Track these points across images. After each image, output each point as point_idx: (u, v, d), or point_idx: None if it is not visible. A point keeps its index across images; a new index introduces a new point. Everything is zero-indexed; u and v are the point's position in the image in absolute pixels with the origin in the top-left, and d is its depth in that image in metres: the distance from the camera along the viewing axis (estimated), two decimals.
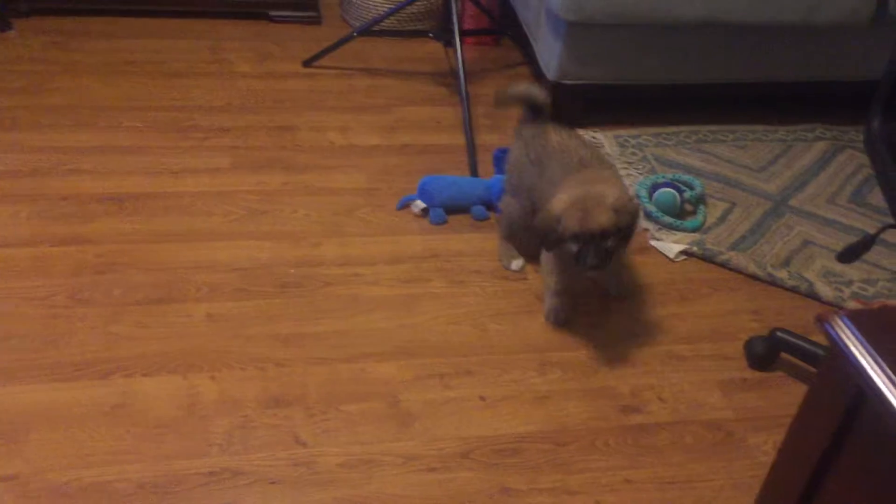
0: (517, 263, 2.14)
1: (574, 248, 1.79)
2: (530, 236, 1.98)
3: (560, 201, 1.79)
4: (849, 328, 0.87)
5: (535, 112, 2.08)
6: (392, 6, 2.91)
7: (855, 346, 0.85)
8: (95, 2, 2.98)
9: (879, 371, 0.83)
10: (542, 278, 2.07)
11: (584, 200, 1.76)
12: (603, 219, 1.75)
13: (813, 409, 0.98)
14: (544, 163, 1.96)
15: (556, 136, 1.99)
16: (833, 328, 0.88)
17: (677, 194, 2.32)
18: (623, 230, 1.80)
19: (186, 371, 1.78)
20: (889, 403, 0.82)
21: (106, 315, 1.89)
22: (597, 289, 2.12)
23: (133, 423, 1.66)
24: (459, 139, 2.55)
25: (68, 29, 2.92)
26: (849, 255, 1.76)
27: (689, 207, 2.36)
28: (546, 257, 1.99)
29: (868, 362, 0.84)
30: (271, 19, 3.11)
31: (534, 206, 1.97)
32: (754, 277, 2.19)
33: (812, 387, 0.99)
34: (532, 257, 2.13)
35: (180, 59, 2.85)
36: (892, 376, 0.82)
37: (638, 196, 2.38)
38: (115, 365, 1.78)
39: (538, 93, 2.07)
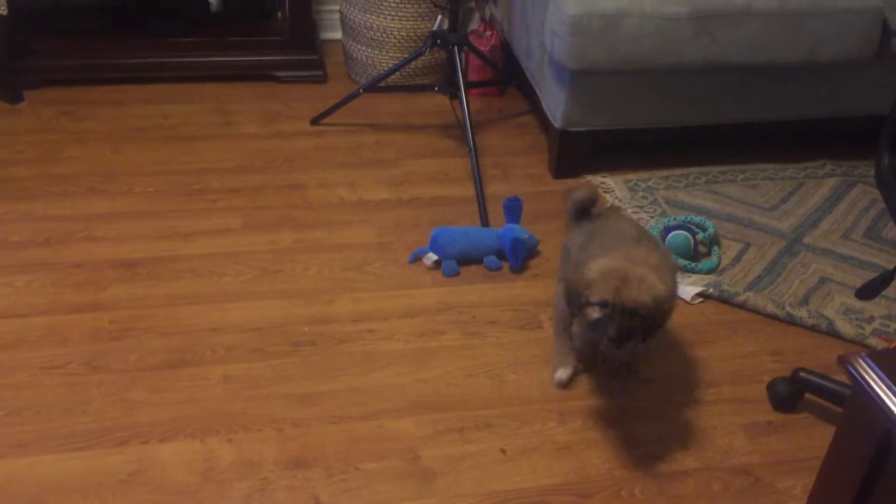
0: (562, 373, 1.94)
1: (596, 314, 1.61)
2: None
3: (599, 264, 1.65)
4: (872, 369, 0.85)
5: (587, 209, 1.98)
6: (397, 62, 2.94)
7: (880, 387, 0.83)
8: (104, 70, 3.02)
9: None
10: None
11: (626, 272, 1.61)
12: (641, 297, 1.59)
13: (841, 454, 0.96)
14: (598, 234, 1.85)
15: (617, 218, 1.90)
16: (856, 369, 0.86)
17: (690, 236, 2.30)
18: (652, 326, 1.63)
19: (203, 435, 1.77)
20: None
21: (122, 381, 1.88)
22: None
23: (150, 491, 1.65)
24: (469, 190, 2.55)
25: (78, 98, 2.96)
26: (868, 291, 1.73)
27: (702, 249, 2.35)
28: (575, 326, 1.90)
29: (894, 402, 0.81)
30: (277, 80, 3.15)
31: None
32: (773, 317, 2.17)
33: (838, 430, 0.97)
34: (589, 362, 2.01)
35: (189, 122, 2.88)
36: None
37: None
38: (132, 432, 1.76)
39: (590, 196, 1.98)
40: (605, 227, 1.88)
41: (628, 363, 1.99)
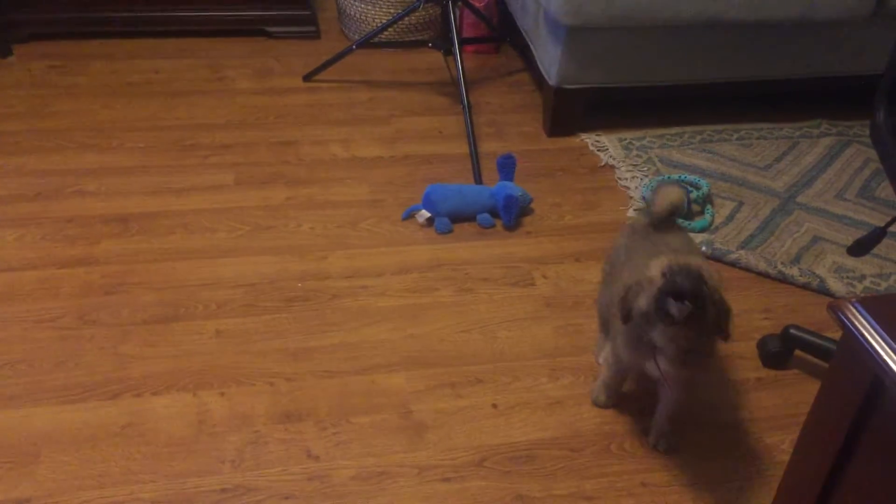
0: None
1: (654, 290, 1.43)
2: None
3: (645, 267, 1.50)
4: (862, 315, 0.85)
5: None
6: (390, 17, 2.91)
7: (869, 333, 0.83)
8: (94, 24, 2.99)
9: (895, 357, 0.81)
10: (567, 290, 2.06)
11: (672, 259, 1.45)
12: (693, 264, 1.43)
13: (829, 401, 0.97)
14: (634, 248, 1.70)
15: (661, 230, 1.71)
16: (846, 315, 0.86)
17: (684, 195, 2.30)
18: (714, 303, 1.43)
19: (196, 388, 1.77)
20: None
21: (114, 335, 1.88)
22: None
23: (144, 443, 1.65)
24: (462, 148, 2.54)
25: (68, 52, 2.93)
26: (859, 248, 1.73)
27: (696, 208, 2.35)
28: (610, 349, 1.74)
29: (883, 348, 0.82)
30: (270, 35, 3.12)
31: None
32: (765, 275, 2.17)
33: (827, 377, 0.98)
34: None
35: (180, 78, 2.85)
36: None
37: (644, 199, 2.37)
38: (125, 385, 1.77)
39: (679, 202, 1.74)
40: (644, 244, 1.70)
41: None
